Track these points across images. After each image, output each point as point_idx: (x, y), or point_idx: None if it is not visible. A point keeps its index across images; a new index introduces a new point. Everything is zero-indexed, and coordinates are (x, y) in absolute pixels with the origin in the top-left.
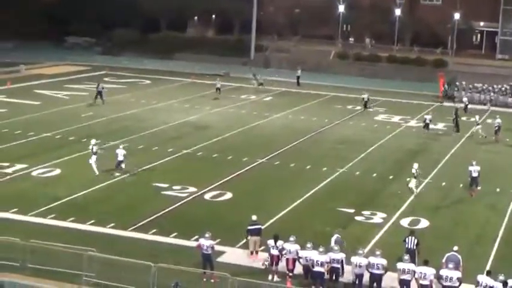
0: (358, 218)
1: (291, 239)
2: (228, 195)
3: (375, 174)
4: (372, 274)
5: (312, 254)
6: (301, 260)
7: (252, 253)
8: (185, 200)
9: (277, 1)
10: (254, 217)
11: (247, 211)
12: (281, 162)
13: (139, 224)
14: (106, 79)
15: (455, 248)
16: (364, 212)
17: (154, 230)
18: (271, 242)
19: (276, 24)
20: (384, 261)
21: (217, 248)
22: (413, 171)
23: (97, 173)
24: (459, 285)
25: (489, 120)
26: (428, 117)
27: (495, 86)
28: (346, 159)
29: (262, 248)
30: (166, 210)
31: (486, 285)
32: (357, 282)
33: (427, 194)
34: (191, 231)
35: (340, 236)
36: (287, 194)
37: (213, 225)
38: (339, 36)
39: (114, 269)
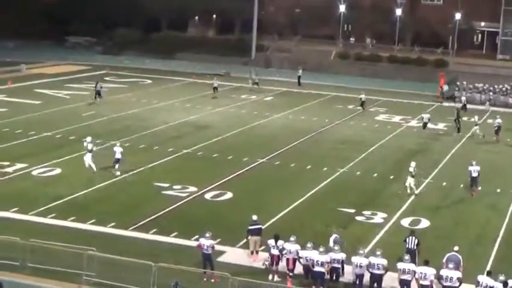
0: (358, 218)
1: (292, 238)
2: (229, 195)
3: (375, 174)
4: (372, 274)
5: (313, 254)
6: (301, 260)
7: (252, 253)
8: (185, 200)
9: (278, 1)
10: (254, 217)
11: (247, 211)
12: (281, 162)
13: (140, 224)
14: (107, 78)
15: (456, 248)
16: (364, 212)
17: (155, 230)
18: (271, 241)
19: (277, 24)
20: (384, 262)
21: (218, 247)
22: (411, 169)
23: (95, 169)
24: (459, 285)
25: (490, 121)
26: (426, 116)
27: (496, 86)
28: (346, 159)
29: (263, 247)
30: (167, 209)
31: (486, 286)
32: (357, 282)
33: (428, 194)
34: (191, 230)
35: (338, 235)
36: (287, 194)
37: (213, 225)
38: (339, 36)
39: (114, 269)
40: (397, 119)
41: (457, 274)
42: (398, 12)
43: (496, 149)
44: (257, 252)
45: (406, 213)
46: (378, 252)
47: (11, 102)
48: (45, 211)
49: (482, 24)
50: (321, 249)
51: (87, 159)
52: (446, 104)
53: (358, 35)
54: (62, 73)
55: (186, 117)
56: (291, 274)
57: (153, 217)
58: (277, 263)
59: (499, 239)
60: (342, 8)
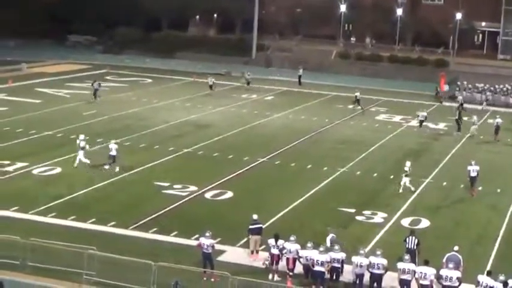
0: (358, 217)
1: (292, 238)
2: (229, 194)
3: (375, 174)
4: (372, 274)
5: (313, 254)
6: (301, 260)
7: (252, 252)
8: (186, 199)
9: (279, 0)
10: (255, 216)
11: (247, 210)
12: (282, 161)
13: (140, 223)
14: (107, 77)
15: (456, 248)
16: (364, 212)
17: (155, 229)
18: (271, 241)
19: (278, 23)
20: (384, 261)
21: (218, 247)
22: (406, 169)
23: (88, 161)
24: (459, 285)
25: (490, 120)
26: (422, 114)
27: (496, 86)
28: (346, 159)
29: (263, 247)
30: (167, 209)
31: (486, 285)
32: (357, 282)
33: (428, 193)
34: (192, 230)
35: (335, 235)
36: (288, 194)
37: (213, 224)
38: (340, 36)
39: (114, 268)
40: (397, 118)
41: (457, 274)
42: (399, 12)
43: (496, 148)
44: (257, 252)
45: (406, 213)
46: (378, 252)
47: (11, 101)
48: (45, 210)
49: (483, 24)
50: (321, 248)
51: (80, 156)
52: (446, 103)
53: (359, 35)
54: (63, 72)
55: (187, 117)
56: (291, 273)
57: (153, 216)
58: (277, 263)
59: (499, 239)
60: (343, 7)
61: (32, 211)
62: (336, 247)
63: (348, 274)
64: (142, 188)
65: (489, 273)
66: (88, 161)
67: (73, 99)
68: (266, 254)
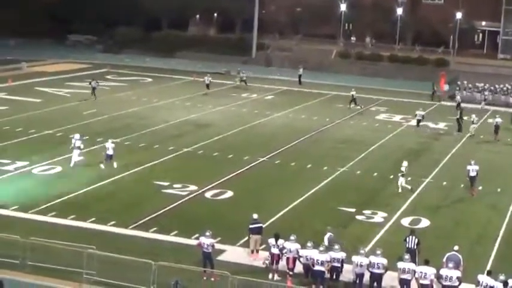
0: (358, 217)
1: (292, 237)
2: (229, 193)
3: (375, 174)
4: (372, 273)
5: (313, 253)
6: (301, 259)
7: (252, 252)
8: (186, 199)
9: (279, 0)
10: (255, 215)
11: (247, 210)
12: (282, 161)
13: (140, 222)
14: (108, 77)
15: (456, 247)
16: (365, 211)
17: (155, 228)
18: (271, 240)
19: (278, 23)
20: (384, 261)
21: (218, 246)
22: (402, 169)
23: (81, 158)
24: (459, 285)
25: (490, 120)
26: (420, 113)
27: (496, 86)
28: (347, 158)
29: (263, 246)
30: (167, 208)
31: (487, 285)
32: (357, 281)
33: (428, 193)
34: (192, 229)
35: (333, 234)
36: (288, 193)
37: (213, 223)
38: (340, 35)
39: (114, 267)
40: (397, 118)
41: (457, 273)
42: (399, 11)
43: (496, 148)
44: (257, 251)
45: (406, 212)
46: (378, 252)
47: (11, 100)
48: (45, 209)
49: (483, 23)
50: (321, 248)
51: (74, 156)
52: (444, 103)
53: (359, 34)
54: (63, 71)
55: (187, 116)
56: (291, 273)
57: (153, 216)
58: (278, 262)
59: (499, 239)
60: (343, 7)
61: (32, 210)
62: (336, 246)
63: (348, 274)
64: (142, 188)
65: (489, 273)
66: (81, 158)
67: (73, 98)
68: (266, 254)
